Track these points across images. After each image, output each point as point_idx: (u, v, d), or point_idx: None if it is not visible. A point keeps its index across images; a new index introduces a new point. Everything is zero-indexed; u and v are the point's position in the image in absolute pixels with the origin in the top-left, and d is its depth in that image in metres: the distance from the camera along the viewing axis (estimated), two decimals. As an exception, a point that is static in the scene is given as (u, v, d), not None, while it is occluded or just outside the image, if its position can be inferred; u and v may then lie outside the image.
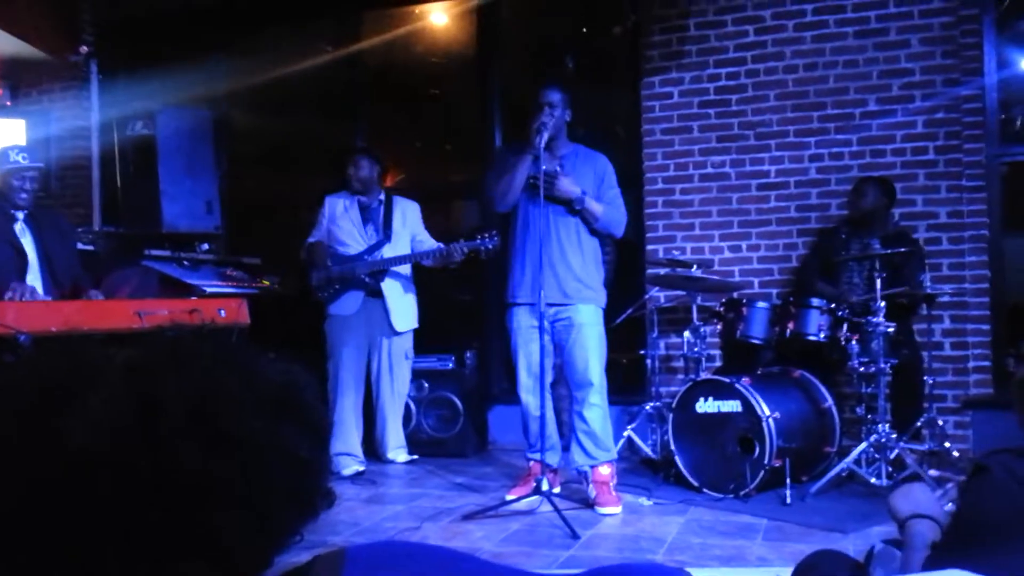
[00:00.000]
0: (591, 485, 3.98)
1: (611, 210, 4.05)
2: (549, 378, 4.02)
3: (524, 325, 4.05)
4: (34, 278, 3.96)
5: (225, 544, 0.76)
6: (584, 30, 6.30)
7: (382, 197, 5.06)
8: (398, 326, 4.94)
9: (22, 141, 5.57)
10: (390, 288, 4.92)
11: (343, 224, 4.99)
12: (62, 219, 4.35)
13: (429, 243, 4.98)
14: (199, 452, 0.74)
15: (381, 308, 4.93)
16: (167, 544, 0.74)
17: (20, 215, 3.97)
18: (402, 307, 4.97)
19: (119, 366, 0.79)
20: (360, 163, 5.01)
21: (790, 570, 1.92)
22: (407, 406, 5.24)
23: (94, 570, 0.73)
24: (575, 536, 3.44)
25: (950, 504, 1.59)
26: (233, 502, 0.76)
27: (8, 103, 6.50)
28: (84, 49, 6.25)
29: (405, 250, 4.94)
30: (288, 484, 0.80)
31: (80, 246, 4.45)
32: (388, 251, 4.92)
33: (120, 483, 0.72)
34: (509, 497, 3.98)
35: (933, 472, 4.15)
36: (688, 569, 2.01)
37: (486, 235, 4.53)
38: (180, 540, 0.74)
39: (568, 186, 3.95)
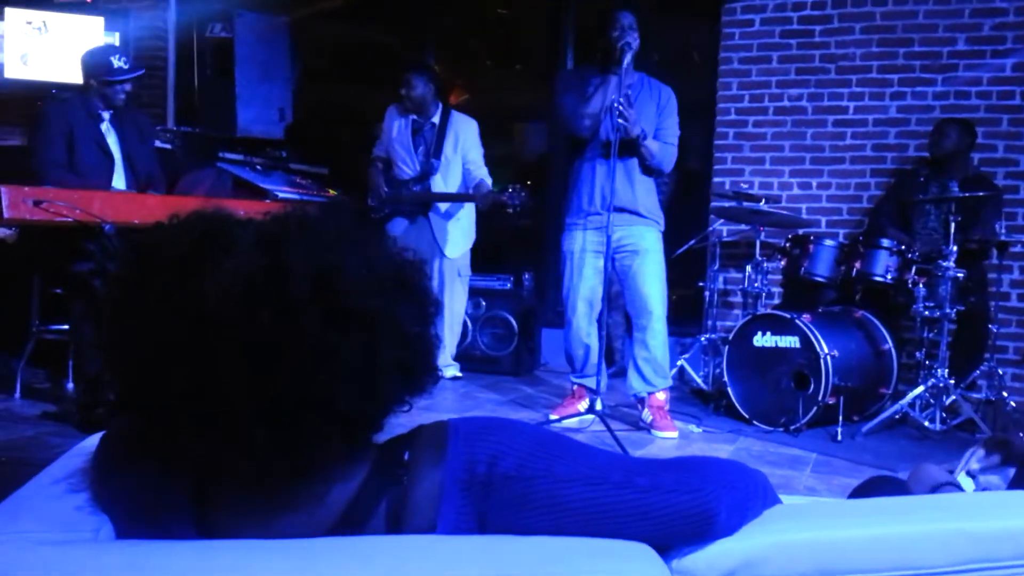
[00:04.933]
0: (647, 410, 4.04)
1: (664, 148, 3.99)
2: (600, 305, 4.04)
3: (585, 248, 4.05)
4: (119, 178, 4.07)
5: (341, 406, 0.82)
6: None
7: (435, 120, 4.92)
8: (447, 251, 4.95)
9: (100, 38, 5.66)
10: (436, 216, 4.93)
11: (397, 146, 4.98)
12: (142, 118, 4.43)
13: (478, 171, 4.92)
14: (321, 320, 0.80)
15: (428, 231, 4.93)
16: (291, 400, 0.80)
17: (106, 115, 4.05)
18: (451, 232, 4.95)
19: (251, 234, 0.84)
20: (413, 82, 4.80)
21: (840, 500, 1.95)
22: (464, 323, 5.33)
23: (225, 419, 0.80)
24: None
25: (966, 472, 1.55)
26: (349, 369, 0.81)
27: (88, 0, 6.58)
28: (164, -52, 6.28)
29: (456, 176, 4.91)
30: (399, 357, 0.86)
31: (158, 144, 4.54)
32: (438, 180, 4.89)
33: (249, 341, 0.78)
34: (552, 417, 4.07)
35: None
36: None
37: (513, 190, 4.56)
38: (302, 398, 0.80)
39: (635, 122, 3.90)
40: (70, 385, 4.05)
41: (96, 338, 0.86)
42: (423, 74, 4.87)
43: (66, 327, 3.93)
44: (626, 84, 3.85)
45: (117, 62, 3.98)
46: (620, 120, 3.79)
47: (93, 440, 1.00)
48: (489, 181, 4.86)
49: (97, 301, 0.87)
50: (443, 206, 4.96)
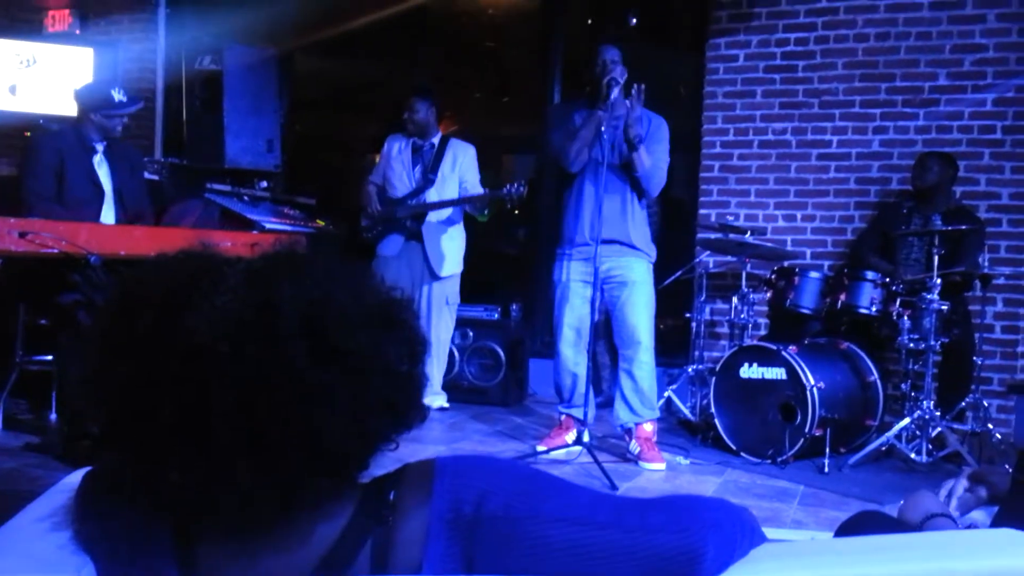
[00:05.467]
0: (634, 441, 4.03)
1: (654, 166, 4.01)
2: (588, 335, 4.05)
3: (574, 278, 4.07)
4: (108, 210, 4.06)
5: (328, 443, 0.82)
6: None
7: (435, 140, 5.04)
8: (437, 270, 4.97)
9: (89, 70, 5.68)
10: (430, 232, 4.96)
11: (395, 166, 5.05)
12: (133, 151, 4.43)
13: (475, 190, 4.99)
14: (309, 356, 0.80)
15: (420, 252, 4.98)
16: (277, 437, 0.80)
17: (100, 147, 4.05)
18: (442, 251, 4.99)
19: (240, 271, 0.84)
20: (416, 106, 4.96)
21: (828, 534, 1.95)
22: (451, 353, 5.32)
23: (211, 453, 0.79)
24: (614, 487, 3.51)
25: (955, 502, 1.56)
26: (336, 405, 0.81)
27: (77, 31, 6.61)
28: (153, -19, 6.34)
29: (452, 194, 4.96)
30: (386, 395, 0.86)
31: (146, 175, 4.54)
32: (432, 195, 4.95)
33: (237, 378, 0.78)
34: (540, 448, 4.06)
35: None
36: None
37: (512, 185, 4.60)
38: (288, 435, 0.80)
39: (640, 124, 3.93)
40: (53, 416, 4.01)
41: (81, 370, 0.85)
42: (426, 98, 5.01)
43: (50, 358, 3.90)
44: (614, 117, 3.90)
45: (117, 95, 4.00)
46: (629, 115, 3.85)
47: (76, 476, 0.99)
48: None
49: (82, 333, 0.87)
50: (436, 217, 4.97)
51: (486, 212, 5.07)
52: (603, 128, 3.82)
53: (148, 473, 0.82)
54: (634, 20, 6.19)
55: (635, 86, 3.87)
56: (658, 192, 4.13)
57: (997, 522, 1.23)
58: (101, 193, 4.04)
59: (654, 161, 4.00)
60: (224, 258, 0.86)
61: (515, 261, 6.38)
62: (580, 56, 5.39)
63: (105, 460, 0.95)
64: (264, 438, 0.79)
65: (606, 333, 4.79)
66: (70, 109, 4.14)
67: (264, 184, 5.13)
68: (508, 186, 4.65)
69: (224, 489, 0.80)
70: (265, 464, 0.80)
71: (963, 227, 4.27)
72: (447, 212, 5.00)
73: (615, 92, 3.80)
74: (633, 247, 4.04)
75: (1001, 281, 4.75)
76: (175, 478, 0.80)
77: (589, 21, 6.48)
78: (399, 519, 0.85)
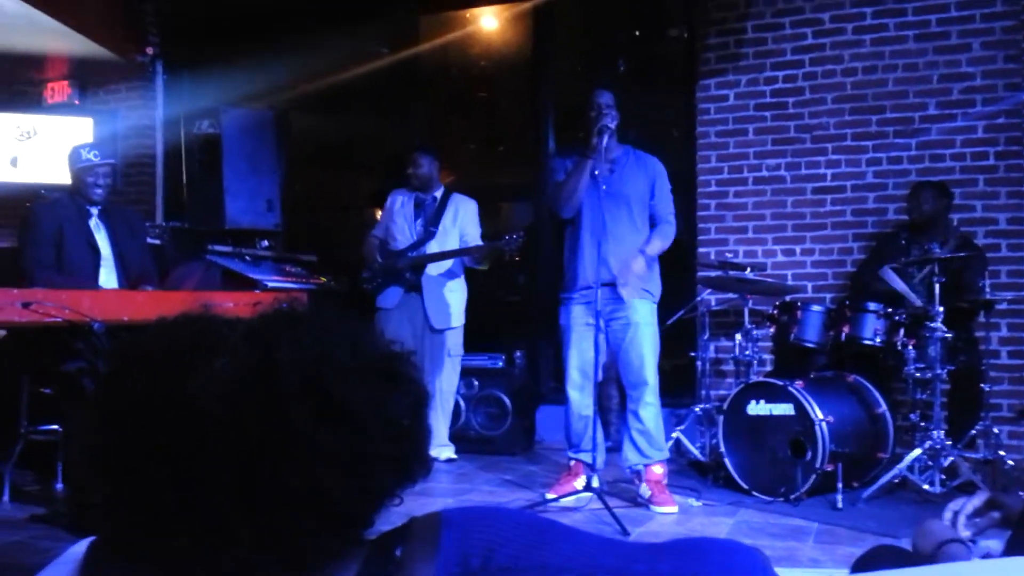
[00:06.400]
0: (644, 484, 4.00)
1: (663, 230, 4.10)
2: (599, 377, 4.05)
3: (579, 322, 4.08)
4: (108, 273, 4.09)
5: (331, 502, 0.81)
6: (638, 33, 6.33)
7: (437, 194, 5.12)
8: (435, 323, 4.99)
9: (90, 139, 5.76)
10: (429, 285, 4.98)
11: (397, 219, 5.12)
12: (132, 215, 4.49)
13: (475, 244, 5.03)
14: (311, 416, 0.79)
15: (419, 305, 4.99)
16: (279, 498, 0.79)
17: (94, 211, 4.11)
18: (441, 305, 5.00)
19: (239, 333, 0.84)
20: (419, 161, 5.07)
21: (845, 571, 1.92)
22: (456, 403, 5.29)
23: (212, 519, 0.79)
24: (625, 533, 3.47)
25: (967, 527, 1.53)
26: (339, 464, 0.80)
27: (76, 101, 6.72)
28: (150, 50, 6.45)
29: (452, 247, 5.00)
30: (390, 450, 0.85)
31: (148, 240, 4.59)
32: (433, 247, 4.99)
33: (238, 441, 0.78)
34: (549, 496, 4.02)
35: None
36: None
37: (510, 235, 4.64)
38: (290, 496, 0.79)
39: (639, 269, 4.00)
40: (60, 486, 3.99)
41: (81, 436, 0.85)
42: (428, 153, 5.13)
43: (55, 427, 3.89)
44: (608, 160, 3.96)
45: (86, 154, 4.09)
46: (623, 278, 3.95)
47: (82, 546, 0.98)
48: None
49: (86, 400, 0.87)
50: (435, 271, 4.99)
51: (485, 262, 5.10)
52: (596, 173, 3.86)
53: (149, 539, 0.81)
54: (623, 66, 6.28)
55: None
56: (672, 239, 4.21)
57: (1010, 549, 1.21)
58: (98, 255, 4.08)
59: (662, 221, 4.09)
60: (224, 320, 0.86)
61: (517, 308, 6.38)
62: (572, 103, 5.47)
63: (108, 528, 0.95)
64: (266, 499, 0.79)
65: (616, 376, 4.77)
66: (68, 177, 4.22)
67: (265, 243, 5.17)
68: (506, 237, 4.71)
69: (227, 553, 0.79)
70: (267, 525, 0.79)
71: (962, 254, 4.27)
72: (447, 265, 5.02)
73: (605, 139, 3.86)
74: (637, 288, 4.05)
75: (1004, 306, 4.74)
76: (176, 544, 0.79)
77: (579, 68, 6.57)
78: (406, 576, 0.84)
